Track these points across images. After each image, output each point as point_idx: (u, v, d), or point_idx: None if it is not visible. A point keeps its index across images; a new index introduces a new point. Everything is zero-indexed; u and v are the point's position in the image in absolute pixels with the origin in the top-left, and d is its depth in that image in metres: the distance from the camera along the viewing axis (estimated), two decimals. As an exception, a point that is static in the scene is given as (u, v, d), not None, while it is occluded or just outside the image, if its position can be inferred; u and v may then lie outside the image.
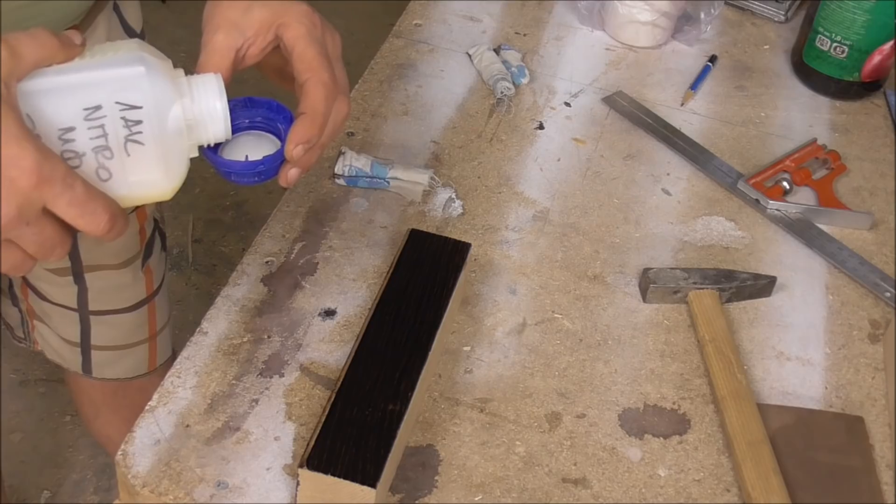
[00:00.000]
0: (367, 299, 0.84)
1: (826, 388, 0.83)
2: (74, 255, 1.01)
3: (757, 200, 0.99)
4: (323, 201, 0.92)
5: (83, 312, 1.07)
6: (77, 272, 1.03)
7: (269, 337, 0.80)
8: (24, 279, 1.05)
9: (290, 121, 0.70)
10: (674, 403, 0.80)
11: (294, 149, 0.67)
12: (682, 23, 1.21)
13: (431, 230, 0.88)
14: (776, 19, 1.27)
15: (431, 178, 0.95)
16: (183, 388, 0.75)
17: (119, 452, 0.71)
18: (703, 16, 1.20)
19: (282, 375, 0.77)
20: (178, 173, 0.65)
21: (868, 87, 1.15)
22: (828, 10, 1.10)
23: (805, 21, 1.16)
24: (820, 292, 0.91)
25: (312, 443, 0.67)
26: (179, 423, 0.73)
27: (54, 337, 1.11)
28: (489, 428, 0.76)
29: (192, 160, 0.66)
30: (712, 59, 1.18)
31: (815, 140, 1.07)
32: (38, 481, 1.75)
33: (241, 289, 0.83)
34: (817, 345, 0.86)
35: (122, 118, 0.61)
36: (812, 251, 0.95)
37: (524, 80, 1.10)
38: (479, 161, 1.00)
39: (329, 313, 0.83)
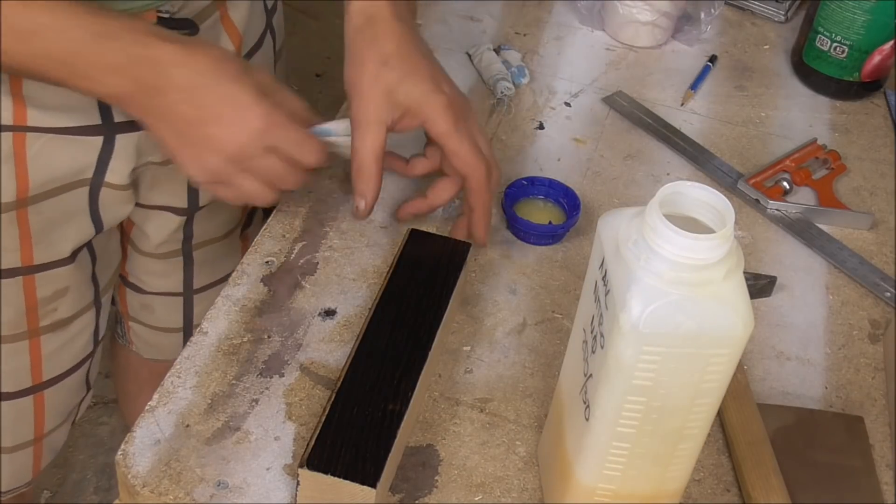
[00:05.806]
0: (367, 299, 0.84)
1: (826, 388, 0.83)
2: (188, 231, 1.01)
3: (757, 200, 0.99)
4: (323, 201, 0.92)
5: (188, 294, 1.07)
6: (187, 251, 1.03)
7: (269, 337, 0.80)
8: (122, 277, 1.05)
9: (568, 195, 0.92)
10: (674, 403, 0.80)
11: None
12: (682, 23, 1.21)
13: (431, 230, 0.88)
14: (776, 19, 1.27)
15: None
16: (183, 387, 0.75)
17: (119, 452, 0.71)
18: (703, 16, 1.20)
19: (282, 375, 0.77)
20: None
21: (868, 87, 1.15)
22: (828, 10, 1.10)
23: (805, 21, 1.16)
24: (820, 292, 0.91)
25: (312, 443, 0.67)
26: (179, 423, 0.73)
27: (152, 333, 1.11)
28: (489, 428, 0.76)
29: None
30: (712, 59, 1.18)
31: (815, 140, 1.07)
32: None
33: (241, 289, 0.83)
34: (817, 345, 0.86)
35: None
36: (812, 251, 0.95)
37: (524, 80, 1.10)
38: (479, 161, 1.00)
39: (329, 313, 0.82)
